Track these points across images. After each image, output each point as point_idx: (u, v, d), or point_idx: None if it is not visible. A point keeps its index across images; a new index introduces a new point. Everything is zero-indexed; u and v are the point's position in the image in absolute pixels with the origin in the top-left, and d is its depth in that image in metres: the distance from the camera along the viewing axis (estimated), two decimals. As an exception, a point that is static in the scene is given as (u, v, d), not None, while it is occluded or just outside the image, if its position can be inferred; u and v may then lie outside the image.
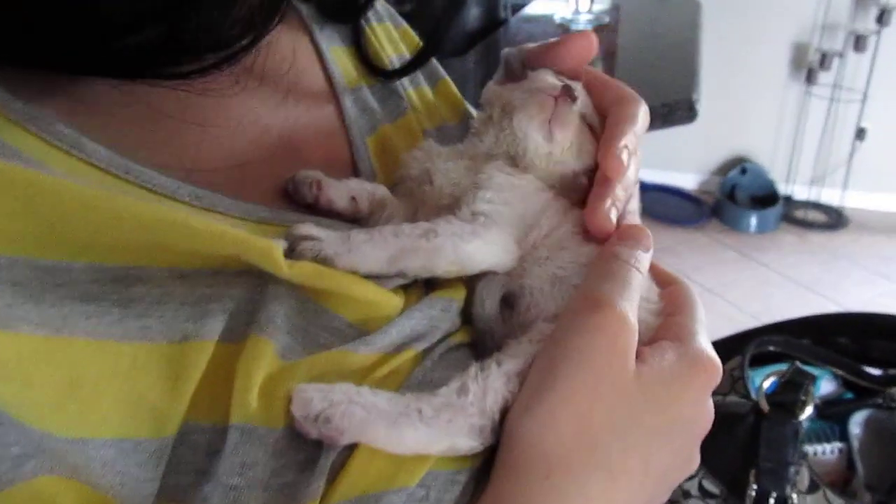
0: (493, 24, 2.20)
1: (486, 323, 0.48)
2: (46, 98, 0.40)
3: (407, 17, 0.72)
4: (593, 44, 0.58)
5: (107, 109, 0.43)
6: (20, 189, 0.34)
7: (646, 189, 3.99)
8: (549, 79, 0.55)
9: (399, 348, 0.43)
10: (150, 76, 0.41)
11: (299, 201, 0.50)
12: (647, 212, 3.62)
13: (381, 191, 0.53)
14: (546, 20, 2.31)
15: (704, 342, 0.47)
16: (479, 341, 0.48)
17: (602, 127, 0.54)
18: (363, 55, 0.63)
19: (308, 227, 0.44)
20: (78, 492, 0.34)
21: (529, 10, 2.43)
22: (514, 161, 0.53)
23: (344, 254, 0.44)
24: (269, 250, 0.39)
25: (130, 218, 0.36)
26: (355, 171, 0.56)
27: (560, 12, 2.31)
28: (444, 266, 0.47)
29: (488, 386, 0.42)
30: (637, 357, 0.44)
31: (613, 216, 0.50)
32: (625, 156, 0.51)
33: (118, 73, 0.41)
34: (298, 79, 0.56)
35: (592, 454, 0.41)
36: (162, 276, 0.38)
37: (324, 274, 0.42)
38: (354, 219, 0.52)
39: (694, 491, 0.93)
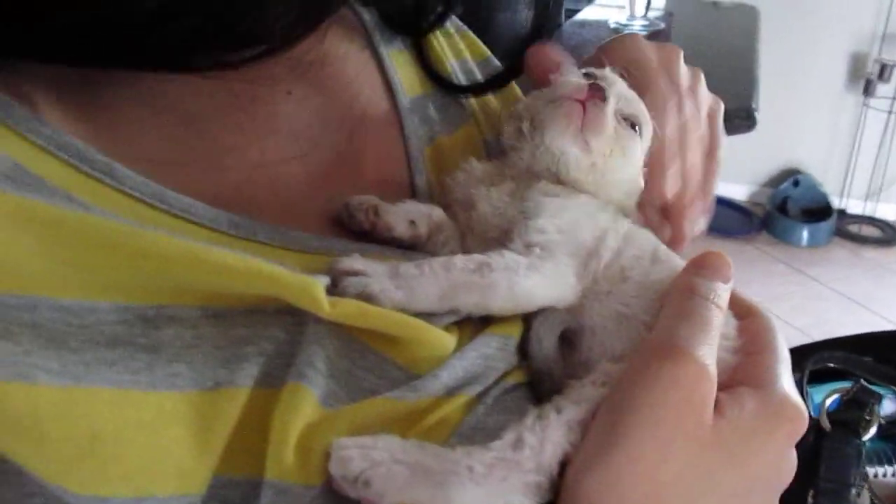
0: (546, 28, 2.18)
1: (543, 363, 0.44)
2: (77, 115, 0.39)
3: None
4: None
5: (139, 123, 0.41)
6: (40, 226, 0.32)
7: (694, 199, 3.93)
8: (574, 80, 0.50)
9: (451, 392, 0.40)
10: (188, 67, 0.39)
11: (354, 228, 0.47)
12: (696, 222, 3.56)
13: (438, 213, 0.50)
14: (600, 25, 2.28)
15: (789, 386, 0.42)
16: (535, 381, 0.44)
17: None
18: (425, 63, 0.61)
19: (352, 261, 0.41)
20: None
21: (583, 15, 2.41)
22: (562, 180, 0.49)
23: (391, 290, 0.40)
24: (309, 288, 0.36)
25: (156, 255, 0.33)
26: (412, 188, 0.53)
27: (614, 18, 2.29)
28: (500, 304, 0.43)
29: (546, 437, 0.38)
30: (714, 408, 0.40)
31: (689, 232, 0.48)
32: (668, 186, 0.49)
33: (156, 65, 0.39)
34: (355, 88, 0.54)
35: None
36: (194, 317, 0.36)
37: (369, 313, 0.39)
38: (412, 245, 0.49)
39: (749, 509, 0.90)
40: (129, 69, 0.39)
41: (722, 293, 0.43)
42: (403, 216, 0.48)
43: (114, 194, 0.36)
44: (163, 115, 0.42)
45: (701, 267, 0.44)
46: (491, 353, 0.43)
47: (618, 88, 0.50)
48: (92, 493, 0.31)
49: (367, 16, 0.59)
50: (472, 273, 0.43)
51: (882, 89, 3.80)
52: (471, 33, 0.68)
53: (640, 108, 0.50)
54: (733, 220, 4.03)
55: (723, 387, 0.41)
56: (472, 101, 0.62)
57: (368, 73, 0.56)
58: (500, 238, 0.47)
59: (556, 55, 0.53)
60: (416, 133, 0.55)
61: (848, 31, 3.80)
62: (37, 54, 0.36)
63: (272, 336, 0.37)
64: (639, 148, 0.50)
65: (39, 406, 0.30)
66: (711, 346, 0.41)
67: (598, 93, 0.48)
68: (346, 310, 0.38)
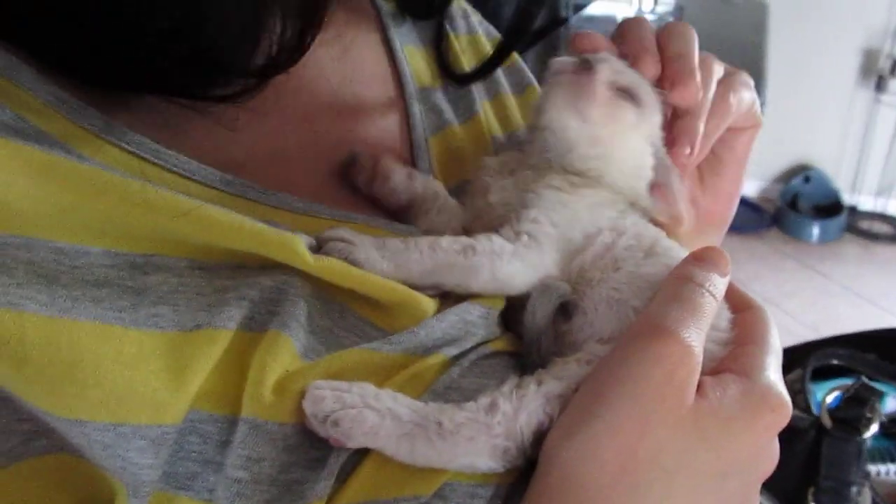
0: (553, 22, 2.17)
1: (535, 333, 0.45)
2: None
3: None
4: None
5: (146, 105, 0.42)
6: (37, 172, 0.34)
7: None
8: (564, 58, 0.51)
9: (427, 350, 0.41)
10: (182, 95, 0.40)
11: (355, 177, 0.49)
12: (705, 218, 3.54)
13: (437, 184, 0.51)
14: (608, 20, 2.27)
15: (775, 377, 0.43)
16: (524, 352, 0.45)
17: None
18: (440, 58, 0.62)
19: (342, 231, 0.42)
20: (86, 471, 0.34)
21: (591, 9, 2.40)
22: (569, 169, 0.50)
23: (377, 259, 0.42)
24: (290, 242, 0.38)
25: (143, 204, 0.35)
26: None
27: (622, 12, 2.28)
28: (480, 285, 0.44)
29: (523, 406, 0.39)
30: (697, 390, 0.40)
31: (695, 144, 0.49)
32: (693, 77, 0.49)
33: (152, 90, 0.40)
34: (362, 75, 0.55)
35: (633, 493, 0.37)
36: (181, 266, 0.37)
37: (352, 273, 0.40)
38: (405, 206, 0.50)
39: (749, 507, 0.90)
40: (131, 91, 0.41)
41: (718, 284, 0.44)
42: (404, 168, 0.50)
43: (112, 149, 0.38)
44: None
45: (699, 259, 0.45)
46: (472, 320, 0.43)
47: (610, 63, 0.50)
48: (71, 416, 0.33)
49: (385, 8, 0.60)
50: (456, 254, 0.44)
51: (894, 85, 3.77)
52: (500, 36, 0.69)
53: (636, 80, 0.51)
54: (743, 216, 4.01)
55: (709, 375, 0.42)
56: (485, 101, 0.63)
57: (377, 59, 0.58)
58: (502, 224, 0.48)
59: (599, 41, 0.53)
60: (421, 122, 0.56)
61: (860, 27, 3.77)
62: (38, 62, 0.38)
63: (258, 283, 0.38)
64: (637, 117, 0.51)
65: (26, 330, 0.32)
66: (700, 331, 0.41)
67: (586, 64, 0.49)
68: (330, 265, 0.39)
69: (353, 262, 0.41)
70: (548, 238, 0.46)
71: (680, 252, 0.48)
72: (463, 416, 0.38)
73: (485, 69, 0.62)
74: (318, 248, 0.41)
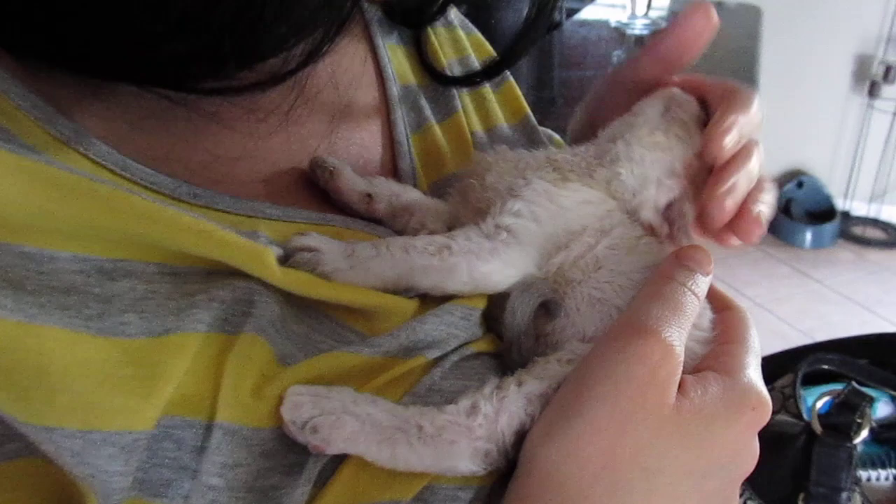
0: (547, 27, 2.17)
1: (514, 333, 0.44)
2: (63, 81, 0.39)
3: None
4: (709, 19, 0.52)
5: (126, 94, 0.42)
6: (2, 173, 0.32)
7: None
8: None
9: (409, 353, 0.40)
10: (185, 88, 0.39)
11: (318, 184, 0.48)
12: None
13: (411, 195, 0.50)
14: (601, 24, 2.28)
15: (755, 376, 0.43)
16: (504, 352, 0.45)
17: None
18: (422, 57, 0.62)
19: (309, 239, 0.41)
20: (58, 476, 0.33)
21: (585, 14, 2.40)
22: (593, 173, 0.49)
23: (344, 270, 0.41)
24: (258, 254, 0.37)
25: (110, 208, 0.34)
26: (395, 170, 0.54)
27: (616, 17, 2.28)
28: (457, 286, 0.43)
29: (503, 407, 0.39)
30: (678, 388, 0.40)
31: (729, 205, 0.47)
32: (729, 138, 0.47)
33: (155, 82, 0.39)
34: (346, 79, 0.55)
35: (614, 492, 0.37)
36: (150, 272, 0.36)
37: (320, 284, 0.39)
38: (379, 221, 0.49)
39: (739, 513, 0.89)
40: (131, 83, 0.40)
41: (700, 283, 0.44)
42: (363, 188, 0.48)
43: (80, 158, 0.37)
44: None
45: (683, 257, 0.45)
46: (453, 322, 0.43)
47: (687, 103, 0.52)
48: (39, 423, 0.32)
49: (368, 7, 0.60)
50: (431, 256, 0.43)
51: (887, 91, 3.77)
52: (479, 34, 0.70)
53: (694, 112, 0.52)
54: (737, 222, 4.02)
55: (689, 373, 0.42)
56: (465, 96, 0.63)
57: (361, 62, 0.57)
58: (483, 213, 0.47)
59: (709, 24, 0.52)
60: (402, 119, 0.56)
61: (853, 33, 3.78)
62: (38, 57, 0.37)
63: (230, 284, 0.37)
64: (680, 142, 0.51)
65: None
66: (681, 330, 0.41)
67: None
68: (298, 279, 0.39)
69: (321, 275, 0.40)
70: (528, 234, 0.45)
71: (663, 251, 0.48)
72: (444, 419, 0.38)
73: (481, 76, 0.62)
74: (287, 257, 0.40)
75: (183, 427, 0.35)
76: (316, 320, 0.40)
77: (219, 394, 0.35)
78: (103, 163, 0.38)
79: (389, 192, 0.49)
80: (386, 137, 0.55)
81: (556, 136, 0.69)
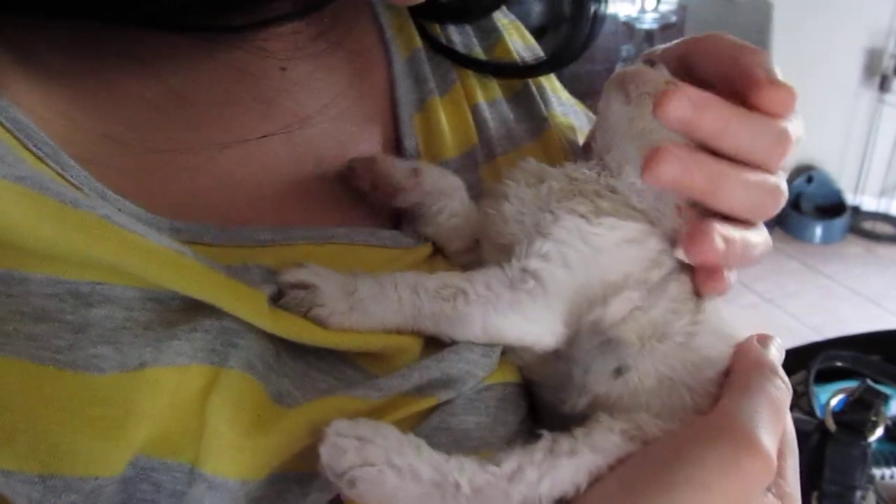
0: (555, 20, 2.16)
1: (575, 389, 0.40)
2: (57, 83, 0.37)
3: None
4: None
5: (122, 91, 0.39)
6: None
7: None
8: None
9: (421, 391, 0.38)
10: (217, 28, 0.36)
11: (357, 185, 0.45)
12: (708, 218, 3.54)
13: (447, 182, 0.47)
14: (610, 19, 2.26)
15: (794, 484, 0.40)
16: (544, 393, 0.41)
17: None
18: (422, 25, 0.57)
19: (304, 273, 0.37)
20: None
21: (594, 8, 2.39)
22: (611, 188, 0.44)
23: (343, 313, 0.37)
24: (249, 299, 0.34)
25: (86, 232, 0.31)
26: (401, 152, 0.50)
27: (625, 11, 2.27)
28: (466, 337, 0.39)
29: (549, 476, 0.36)
30: None
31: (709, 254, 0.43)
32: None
33: (166, 25, 0.36)
34: (353, 64, 0.52)
35: None
36: (129, 297, 0.33)
37: (316, 332, 0.36)
38: (413, 211, 0.46)
39: (751, 511, 0.89)
40: (117, 24, 0.36)
41: (784, 377, 0.41)
42: (407, 164, 0.45)
43: (56, 177, 0.34)
44: (147, 83, 0.40)
45: (766, 342, 0.42)
46: (473, 359, 0.40)
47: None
48: None
49: (387, 29, 0.56)
50: (443, 301, 0.39)
51: (898, 85, 3.76)
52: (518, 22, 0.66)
53: None
54: (746, 217, 4.00)
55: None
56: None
57: (368, 42, 0.54)
58: (509, 248, 0.42)
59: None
60: (406, 97, 0.52)
61: (864, 27, 3.76)
62: (18, 6, 0.34)
63: (218, 312, 0.34)
64: None
65: None
66: (777, 436, 0.38)
67: (648, 58, 0.47)
68: (291, 324, 0.36)
69: (316, 318, 0.36)
70: (555, 283, 0.40)
71: (724, 322, 0.44)
72: (484, 479, 0.35)
73: (508, 72, 0.59)
74: (280, 295, 0.36)
75: (161, 470, 0.32)
76: (315, 354, 0.37)
77: (203, 436, 0.32)
78: (79, 186, 0.34)
79: (433, 169, 0.46)
80: (388, 116, 0.52)
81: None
